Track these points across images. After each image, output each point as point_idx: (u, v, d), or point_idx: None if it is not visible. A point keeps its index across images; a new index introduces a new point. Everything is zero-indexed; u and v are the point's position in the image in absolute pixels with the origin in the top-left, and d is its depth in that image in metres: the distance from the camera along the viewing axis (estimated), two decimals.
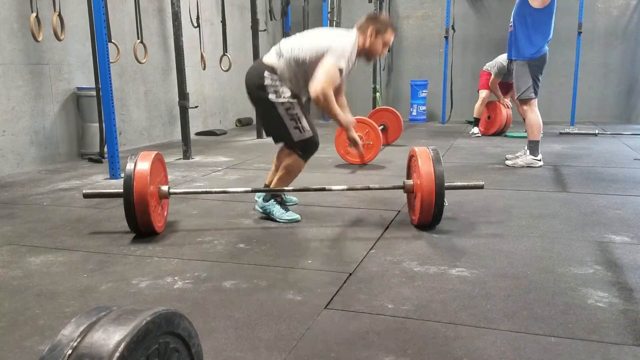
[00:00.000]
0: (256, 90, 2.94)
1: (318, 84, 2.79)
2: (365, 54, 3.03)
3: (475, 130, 7.16)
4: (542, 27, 4.52)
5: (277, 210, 3.07)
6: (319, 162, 5.19)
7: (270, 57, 2.95)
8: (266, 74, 2.90)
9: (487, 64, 7.12)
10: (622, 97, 8.86)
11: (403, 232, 2.87)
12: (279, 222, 3.04)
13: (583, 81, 8.34)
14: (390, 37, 3.01)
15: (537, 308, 1.93)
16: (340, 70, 2.84)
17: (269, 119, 3.03)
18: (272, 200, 3.09)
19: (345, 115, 3.12)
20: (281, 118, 2.93)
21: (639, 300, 1.99)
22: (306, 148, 3.03)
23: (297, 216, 3.08)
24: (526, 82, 4.61)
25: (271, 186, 3.10)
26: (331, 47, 2.83)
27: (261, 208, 3.11)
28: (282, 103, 2.90)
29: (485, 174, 4.45)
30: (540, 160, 4.78)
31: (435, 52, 9.48)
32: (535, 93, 4.65)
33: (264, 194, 3.10)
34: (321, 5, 9.34)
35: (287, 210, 3.10)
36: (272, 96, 2.90)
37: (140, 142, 6.33)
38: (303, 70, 2.88)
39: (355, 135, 3.15)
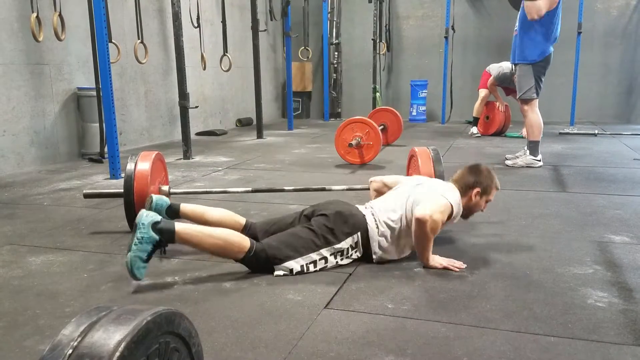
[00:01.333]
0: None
1: (429, 208, 2.28)
2: (465, 212, 2.56)
3: (474, 130, 7.16)
4: (547, 32, 4.53)
5: (143, 250, 2.11)
6: (319, 162, 5.19)
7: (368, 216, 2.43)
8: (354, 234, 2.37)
9: (491, 65, 7.13)
10: (622, 97, 8.86)
11: None
12: (126, 261, 2.11)
13: (583, 81, 8.34)
14: (493, 196, 2.61)
15: (537, 308, 1.93)
16: (451, 209, 2.36)
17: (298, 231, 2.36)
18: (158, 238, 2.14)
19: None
20: (312, 242, 2.31)
21: (638, 300, 1.99)
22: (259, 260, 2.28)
23: (141, 276, 2.14)
24: (529, 82, 4.61)
25: (191, 233, 2.21)
26: (438, 186, 2.50)
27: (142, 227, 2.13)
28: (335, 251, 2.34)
29: None
30: (540, 161, 4.78)
31: (435, 52, 9.48)
32: (537, 93, 4.66)
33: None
34: (321, 5, 9.35)
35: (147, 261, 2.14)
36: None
37: (140, 142, 6.33)
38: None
39: (439, 264, 2.37)
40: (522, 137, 6.58)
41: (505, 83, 6.87)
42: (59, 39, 4.59)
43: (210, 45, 7.29)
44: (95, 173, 4.64)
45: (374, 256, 2.39)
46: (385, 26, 9.36)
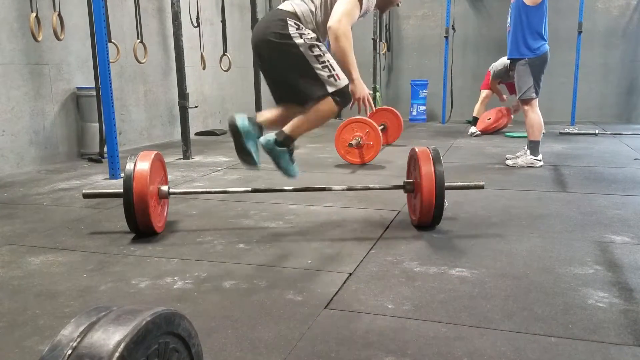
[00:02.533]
0: (278, 39, 2.56)
1: (336, 19, 2.48)
2: (381, 3, 2.81)
3: (474, 129, 7.16)
4: (538, 26, 4.54)
5: (285, 159, 2.67)
6: (319, 162, 5.19)
7: (288, 5, 2.64)
8: (289, 20, 2.57)
9: (493, 64, 7.15)
10: (622, 97, 8.86)
11: (403, 232, 2.87)
12: (279, 170, 2.70)
13: (583, 81, 8.34)
14: None
15: (537, 308, 1.93)
16: (359, 6, 2.55)
17: (295, 72, 2.61)
18: (287, 148, 2.66)
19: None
20: (313, 69, 2.55)
21: (639, 301, 1.99)
22: (344, 97, 2.62)
23: (297, 170, 2.73)
24: (527, 82, 4.61)
25: (292, 126, 2.63)
26: None
27: (269, 149, 2.64)
28: (311, 47, 2.55)
29: (485, 174, 4.45)
30: (540, 160, 4.78)
31: (436, 52, 9.48)
32: (537, 93, 4.66)
33: (274, 133, 2.66)
34: None
35: (293, 162, 2.72)
36: (298, 40, 2.54)
37: (140, 142, 6.33)
38: (323, 13, 2.62)
39: (364, 90, 2.67)
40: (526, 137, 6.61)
41: (505, 79, 6.89)
42: (58, 38, 4.59)
43: (209, 45, 7.28)
44: (95, 173, 4.63)
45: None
46: (386, 26, 9.35)
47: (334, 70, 2.58)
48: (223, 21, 6.70)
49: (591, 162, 5.00)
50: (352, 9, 2.52)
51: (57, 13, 4.51)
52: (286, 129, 2.63)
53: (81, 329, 0.93)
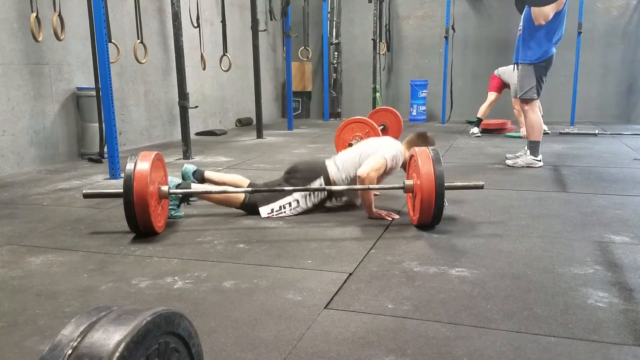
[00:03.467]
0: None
1: (367, 168, 3.06)
2: (405, 166, 3.26)
3: (476, 130, 7.16)
4: (551, 33, 4.53)
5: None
6: None
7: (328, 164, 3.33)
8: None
9: (499, 69, 7.13)
10: (622, 97, 8.86)
11: (403, 232, 2.87)
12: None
13: (583, 81, 8.34)
14: None
15: (537, 308, 1.93)
16: (385, 165, 3.10)
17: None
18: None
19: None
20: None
21: (639, 301, 1.99)
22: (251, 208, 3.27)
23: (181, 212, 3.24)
24: (530, 82, 4.62)
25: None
26: (382, 146, 3.23)
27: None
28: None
29: (485, 174, 4.45)
30: (540, 161, 4.78)
31: (435, 52, 9.48)
32: (538, 94, 4.66)
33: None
34: (321, 5, 9.35)
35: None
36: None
37: (140, 142, 6.33)
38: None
39: (377, 213, 3.16)
40: (522, 138, 6.60)
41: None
42: (58, 38, 4.59)
43: (210, 45, 7.29)
44: (95, 173, 4.63)
45: (343, 198, 3.39)
46: (385, 26, 9.35)
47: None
48: (223, 21, 6.70)
49: (591, 162, 5.00)
50: (380, 166, 3.08)
51: (57, 13, 4.52)
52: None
53: (81, 328, 0.93)
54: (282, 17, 7.76)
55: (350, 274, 2.27)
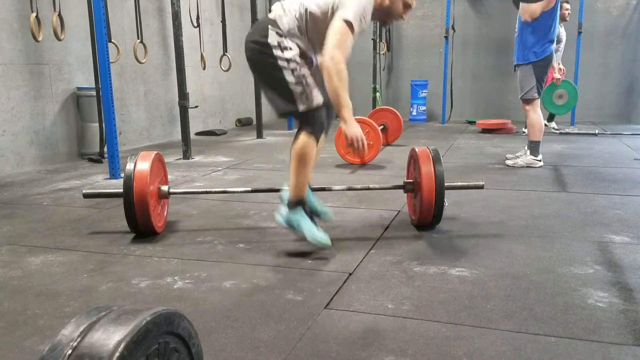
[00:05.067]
0: (258, 46, 2.45)
1: (328, 49, 2.30)
2: (381, 14, 2.51)
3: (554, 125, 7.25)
4: (543, 32, 4.55)
5: (305, 224, 2.45)
6: (319, 162, 5.18)
7: (275, 12, 2.49)
8: (270, 29, 2.42)
9: None
10: (622, 97, 8.86)
11: (403, 232, 2.87)
12: (309, 240, 2.43)
13: (583, 81, 8.34)
14: (414, 1, 2.55)
15: (537, 308, 1.93)
16: (352, 31, 2.33)
17: (272, 84, 2.48)
18: (299, 207, 2.48)
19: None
20: (286, 80, 2.40)
21: (639, 301, 1.99)
22: (314, 121, 2.45)
23: (326, 238, 2.42)
24: (530, 83, 4.63)
25: (288, 187, 2.53)
26: (345, 2, 2.35)
27: (285, 221, 2.52)
28: (288, 60, 2.40)
29: (485, 174, 4.45)
30: (540, 161, 4.78)
31: (435, 52, 9.48)
32: (539, 93, 4.68)
33: (287, 203, 2.51)
34: None
35: (315, 225, 2.49)
36: (276, 51, 2.40)
37: (140, 142, 6.33)
38: (312, 25, 2.44)
39: (357, 131, 2.42)
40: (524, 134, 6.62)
41: None
42: (58, 38, 4.59)
43: (210, 45, 7.29)
44: (95, 173, 4.63)
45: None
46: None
47: (307, 87, 2.42)
48: (223, 21, 6.70)
49: (591, 162, 5.00)
50: (343, 39, 2.31)
51: (57, 13, 4.51)
52: (291, 199, 2.51)
53: (81, 328, 0.93)
54: None
55: (350, 274, 2.27)
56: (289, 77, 2.40)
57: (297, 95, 2.41)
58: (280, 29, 2.42)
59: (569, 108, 7.26)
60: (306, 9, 2.42)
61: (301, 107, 2.42)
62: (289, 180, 2.56)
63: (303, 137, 2.44)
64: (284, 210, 2.53)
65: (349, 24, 2.31)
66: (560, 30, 7.03)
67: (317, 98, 2.44)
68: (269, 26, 2.43)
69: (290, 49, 2.41)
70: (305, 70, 2.43)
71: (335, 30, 2.32)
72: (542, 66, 4.61)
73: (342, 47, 2.31)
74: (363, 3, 2.36)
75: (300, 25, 2.44)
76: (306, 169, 2.48)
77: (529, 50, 4.58)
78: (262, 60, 2.46)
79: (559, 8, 4.60)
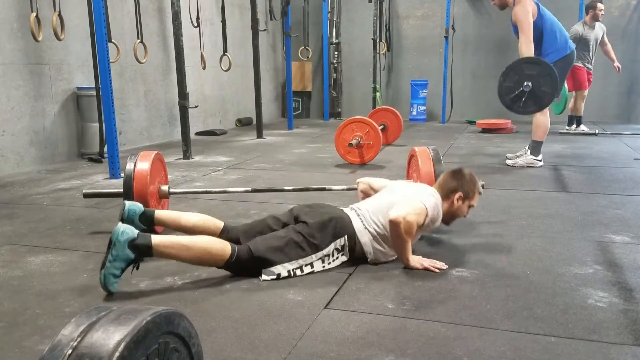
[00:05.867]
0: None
1: (403, 211, 2.27)
2: (447, 218, 2.53)
3: (582, 127, 7.18)
4: (550, 36, 4.60)
5: (118, 266, 2.04)
6: (319, 162, 5.19)
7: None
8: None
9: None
10: (623, 97, 8.86)
11: None
12: (100, 272, 2.06)
13: None
14: (476, 201, 2.55)
15: (537, 308, 1.93)
16: (426, 214, 2.33)
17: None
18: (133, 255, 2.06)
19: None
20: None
21: (639, 300, 1.99)
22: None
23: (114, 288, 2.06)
24: None
25: (166, 243, 2.10)
26: (419, 192, 2.44)
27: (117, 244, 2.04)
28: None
29: (485, 174, 4.45)
30: (540, 161, 4.78)
31: (436, 52, 9.48)
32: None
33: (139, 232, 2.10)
34: (321, 5, 9.35)
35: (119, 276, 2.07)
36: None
37: (140, 142, 6.33)
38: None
39: (419, 262, 2.34)
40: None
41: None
42: (58, 38, 4.59)
43: (210, 44, 7.28)
44: (95, 173, 4.63)
45: (368, 257, 2.38)
46: (385, 26, 9.36)
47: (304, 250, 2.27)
48: (223, 21, 6.70)
49: (591, 162, 5.00)
50: (420, 213, 2.30)
51: (57, 13, 4.51)
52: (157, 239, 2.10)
53: (81, 328, 0.93)
54: (282, 16, 7.75)
55: (350, 274, 2.27)
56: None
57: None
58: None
59: (559, 110, 7.28)
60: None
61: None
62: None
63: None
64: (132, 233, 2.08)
65: (425, 205, 2.33)
66: (585, 31, 6.88)
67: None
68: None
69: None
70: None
71: (414, 204, 2.32)
72: (561, 67, 4.59)
73: (417, 217, 2.29)
74: (438, 208, 2.40)
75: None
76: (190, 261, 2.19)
77: (544, 54, 4.59)
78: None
79: (544, 12, 4.60)
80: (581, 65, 7.06)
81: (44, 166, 4.95)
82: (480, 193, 2.56)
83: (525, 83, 4.22)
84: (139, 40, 5.55)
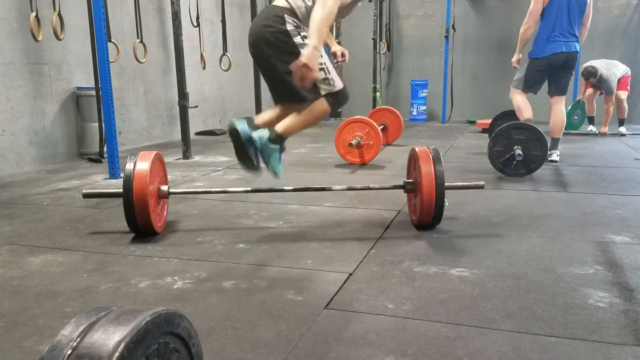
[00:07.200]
0: (277, 36, 2.52)
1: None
2: None
3: (593, 128, 7.15)
4: (544, 28, 4.79)
5: (275, 157, 2.62)
6: (319, 162, 5.19)
7: (283, 0, 2.60)
8: (287, 17, 2.53)
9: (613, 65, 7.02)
10: None
11: (403, 232, 2.87)
12: (267, 167, 2.65)
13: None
14: None
15: (537, 308, 1.93)
16: None
17: (288, 70, 2.47)
18: (279, 145, 2.63)
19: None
20: None
21: (639, 301, 1.99)
22: (337, 100, 2.63)
23: (282, 172, 2.68)
24: (519, 72, 4.97)
25: (285, 125, 2.61)
26: None
27: (262, 146, 2.59)
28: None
29: (485, 174, 4.44)
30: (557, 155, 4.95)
31: (436, 52, 9.48)
32: (525, 87, 4.95)
33: (266, 129, 2.62)
34: None
35: (280, 162, 2.68)
36: (298, 40, 2.51)
37: (140, 142, 6.33)
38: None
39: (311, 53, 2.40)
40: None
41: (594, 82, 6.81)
42: (58, 38, 4.59)
43: (209, 44, 7.28)
44: (95, 173, 4.63)
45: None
46: (386, 25, 9.36)
47: (329, 73, 2.55)
48: (223, 21, 6.70)
49: (591, 162, 5.00)
50: None
51: (57, 13, 4.51)
52: (279, 127, 2.61)
53: (81, 329, 0.93)
54: None
55: (350, 274, 2.27)
56: None
57: (320, 80, 2.52)
58: (296, 16, 2.56)
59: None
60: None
61: (324, 92, 2.56)
62: (261, 117, 2.85)
63: (323, 105, 2.58)
64: (263, 135, 2.59)
65: None
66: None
67: (338, 82, 2.59)
68: (285, 15, 2.53)
69: (307, 33, 2.50)
70: (325, 57, 2.53)
71: None
72: (536, 64, 4.73)
73: None
74: None
75: (309, 8, 2.54)
76: (307, 127, 2.70)
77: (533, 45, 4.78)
78: (278, 46, 2.54)
79: (554, 2, 4.66)
80: None
81: (43, 166, 4.95)
82: None
83: (514, 147, 4.26)
84: (138, 40, 5.54)
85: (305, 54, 2.34)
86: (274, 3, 2.62)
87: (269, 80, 2.78)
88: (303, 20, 2.58)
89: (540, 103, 5.55)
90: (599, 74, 6.51)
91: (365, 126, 4.90)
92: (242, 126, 2.60)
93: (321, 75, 2.51)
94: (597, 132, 7.06)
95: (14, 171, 4.69)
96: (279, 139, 2.60)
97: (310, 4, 2.57)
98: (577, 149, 5.80)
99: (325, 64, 2.53)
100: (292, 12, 2.56)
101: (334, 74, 2.57)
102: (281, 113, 2.76)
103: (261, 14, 2.68)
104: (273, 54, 2.58)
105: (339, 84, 2.59)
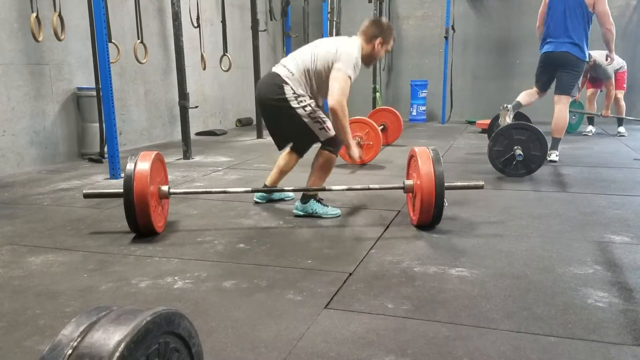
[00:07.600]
0: (277, 102, 3.07)
1: (335, 96, 2.97)
2: (367, 60, 3.19)
3: (622, 130, 7.06)
4: (545, 28, 4.97)
5: (319, 207, 3.17)
6: None
7: (283, 70, 3.10)
8: (285, 86, 3.05)
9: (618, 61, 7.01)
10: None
11: (403, 232, 2.87)
12: (325, 218, 3.15)
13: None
14: (391, 45, 3.26)
15: (537, 308, 1.93)
16: (350, 79, 3.02)
17: (292, 127, 3.13)
18: (312, 199, 3.16)
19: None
20: (306, 124, 3.08)
21: (638, 300, 1.99)
22: (336, 143, 3.17)
23: (338, 210, 3.21)
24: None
25: (308, 184, 3.21)
26: (340, 57, 3.01)
27: (302, 210, 3.17)
28: (304, 107, 3.06)
29: (485, 174, 4.45)
30: (557, 156, 4.96)
31: (435, 52, 9.48)
32: (539, 88, 5.10)
33: (300, 198, 3.21)
34: (321, 5, 9.32)
35: (326, 205, 3.21)
36: (294, 104, 3.05)
37: (140, 142, 6.33)
38: (316, 79, 3.10)
39: (356, 153, 3.26)
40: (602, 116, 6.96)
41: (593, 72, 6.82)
42: (58, 39, 4.59)
43: (210, 45, 7.29)
44: (95, 173, 4.64)
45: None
46: None
47: (325, 123, 3.12)
48: (223, 21, 6.70)
49: (591, 162, 5.00)
50: (346, 86, 2.99)
51: (57, 13, 4.52)
52: (305, 195, 3.17)
53: (81, 328, 0.93)
54: (282, 17, 7.76)
55: (350, 274, 2.27)
56: (308, 120, 3.07)
57: (317, 131, 3.11)
58: (294, 85, 3.05)
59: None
60: (309, 70, 3.06)
61: (322, 138, 3.14)
62: (270, 179, 3.47)
63: (326, 155, 3.16)
64: (298, 204, 3.20)
65: (348, 76, 2.99)
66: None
67: (332, 130, 3.12)
68: (283, 85, 3.05)
69: (304, 97, 3.07)
70: (319, 112, 3.11)
71: (339, 80, 2.98)
72: (538, 61, 4.97)
73: (345, 94, 3.00)
74: (355, 56, 3.02)
75: (307, 81, 3.09)
76: (326, 177, 3.25)
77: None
78: (279, 112, 3.09)
79: (558, 4, 4.74)
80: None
81: (44, 166, 4.95)
82: (394, 40, 3.27)
83: (515, 147, 4.27)
84: (139, 41, 5.55)
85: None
86: (274, 70, 3.13)
87: (273, 135, 3.30)
88: (301, 88, 3.07)
89: (541, 103, 5.54)
90: (592, 58, 6.54)
91: (365, 126, 4.90)
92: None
93: (317, 126, 3.10)
94: (598, 117, 7.12)
95: (14, 171, 4.69)
96: (311, 197, 3.16)
97: (306, 79, 3.08)
98: (577, 149, 5.80)
99: (319, 116, 3.10)
100: (290, 81, 3.05)
101: (328, 123, 3.12)
102: (283, 163, 3.40)
103: (264, 80, 3.20)
104: (275, 117, 3.16)
105: (332, 131, 3.12)
